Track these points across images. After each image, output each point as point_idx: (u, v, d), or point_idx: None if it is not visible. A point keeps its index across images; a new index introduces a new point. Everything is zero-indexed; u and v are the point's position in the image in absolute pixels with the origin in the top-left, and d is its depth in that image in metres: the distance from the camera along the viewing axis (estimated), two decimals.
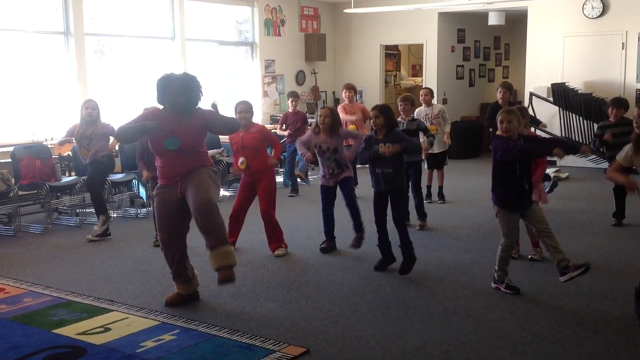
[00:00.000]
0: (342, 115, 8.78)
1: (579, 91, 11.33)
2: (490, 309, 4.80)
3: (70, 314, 4.80)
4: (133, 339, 4.34)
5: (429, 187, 8.71)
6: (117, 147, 7.65)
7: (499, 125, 4.94)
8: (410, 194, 7.34)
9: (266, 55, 12.77)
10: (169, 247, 4.90)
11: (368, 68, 13.92)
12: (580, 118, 11.20)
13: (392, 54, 15.39)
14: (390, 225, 5.67)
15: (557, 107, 11.49)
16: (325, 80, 14.15)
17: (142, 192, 8.47)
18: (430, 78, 13.51)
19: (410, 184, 7.31)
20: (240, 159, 6.30)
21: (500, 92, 8.28)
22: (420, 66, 14.78)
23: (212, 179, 4.77)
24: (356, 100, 10.46)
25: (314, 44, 13.52)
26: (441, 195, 8.76)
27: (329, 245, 6.47)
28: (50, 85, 9.53)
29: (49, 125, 9.02)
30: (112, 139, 7.21)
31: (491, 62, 15.48)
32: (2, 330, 4.52)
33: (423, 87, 9.35)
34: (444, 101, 13.08)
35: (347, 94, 9.43)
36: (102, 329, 4.51)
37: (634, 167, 4.62)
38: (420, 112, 8.45)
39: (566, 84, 11.45)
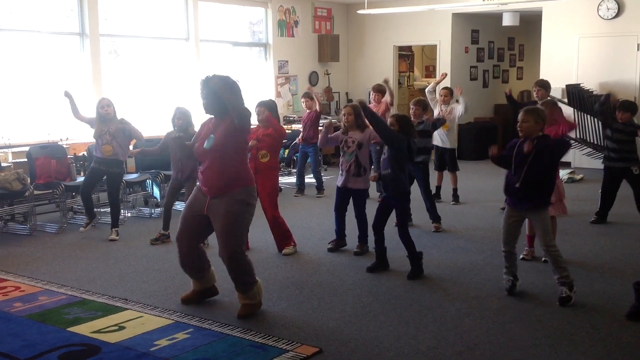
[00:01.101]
0: None
1: (594, 92, 11.26)
2: (503, 310, 4.79)
3: (85, 312, 4.84)
4: (147, 337, 4.36)
5: (438, 188, 8.71)
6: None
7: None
8: (421, 197, 7.34)
9: (279, 56, 12.80)
10: (182, 238, 4.86)
11: (381, 69, 13.89)
12: (595, 119, 11.13)
13: (405, 54, 15.36)
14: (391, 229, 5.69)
15: (572, 109, 11.42)
16: (339, 81, 14.15)
17: (156, 192, 8.52)
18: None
19: (419, 186, 7.29)
20: (252, 142, 6.23)
21: (534, 90, 8.36)
22: (434, 67, 14.74)
23: (240, 216, 4.63)
24: None
25: (327, 45, 13.53)
26: (455, 197, 8.75)
27: (337, 244, 6.49)
28: (66, 85, 9.57)
29: (65, 125, 9.08)
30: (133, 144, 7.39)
31: (505, 63, 15.42)
32: (17, 328, 4.56)
33: (442, 87, 9.36)
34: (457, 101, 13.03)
35: (374, 97, 9.24)
36: (116, 328, 4.54)
37: None
38: (434, 107, 8.72)
39: (581, 85, 11.39)
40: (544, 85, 8.38)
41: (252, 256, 4.91)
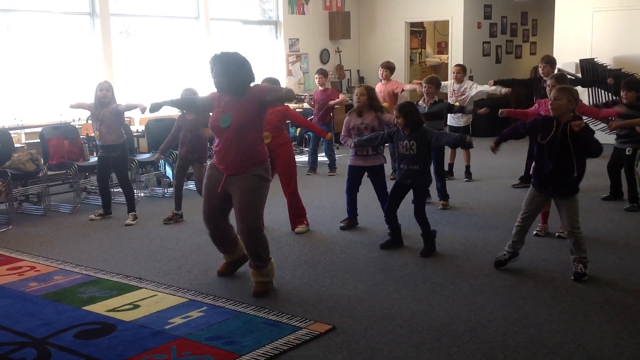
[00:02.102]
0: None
1: (608, 67, 11.14)
2: (517, 286, 4.78)
3: (100, 291, 4.88)
4: (162, 315, 4.39)
5: (450, 166, 8.67)
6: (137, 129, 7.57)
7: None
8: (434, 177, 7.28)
9: (290, 34, 12.73)
10: (210, 220, 4.92)
11: (393, 46, 13.80)
12: (609, 94, 11.02)
13: (417, 31, 15.24)
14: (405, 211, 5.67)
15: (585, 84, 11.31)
16: (350, 58, 14.07)
17: (169, 171, 8.54)
18: (456, 55, 13.37)
19: (433, 165, 7.16)
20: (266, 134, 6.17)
21: (540, 66, 8.28)
22: (446, 43, 14.63)
23: (257, 190, 4.67)
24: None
25: (338, 22, 13.43)
26: (468, 174, 8.72)
27: (349, 223, 6.48)
28: (77, 65, 9.60)
29: (77, 98, 9.09)
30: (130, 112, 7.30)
31: (518, 38, 15.27)
32: (33, 307, 4.61)
33: (455, 64, 9.27)
34: (470, 78, 12.94)
35: (383, 73, 9.07)
36: (131, 306, 4.57)
37: None
38: (447, 85, 8.57)
39: (595, 59, 11.26)
40: (550, 62, 8.32)
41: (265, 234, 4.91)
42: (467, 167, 8.73)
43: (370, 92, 6.24)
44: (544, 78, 8.02)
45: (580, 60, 11.34)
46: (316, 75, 9.79)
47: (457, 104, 8.08)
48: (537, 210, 5.06)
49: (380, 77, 9.11)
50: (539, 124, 4.87)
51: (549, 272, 5.05)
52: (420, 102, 7.27)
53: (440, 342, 3.91)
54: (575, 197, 4.83)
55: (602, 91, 11.10)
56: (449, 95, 8.86)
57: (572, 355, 3.70)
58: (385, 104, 8.60)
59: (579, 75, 11.26)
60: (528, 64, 15.57)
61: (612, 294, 4.59)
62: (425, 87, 7.28)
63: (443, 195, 7.31)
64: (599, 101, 11.06)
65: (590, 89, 11.11)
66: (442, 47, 16.10)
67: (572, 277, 4.82)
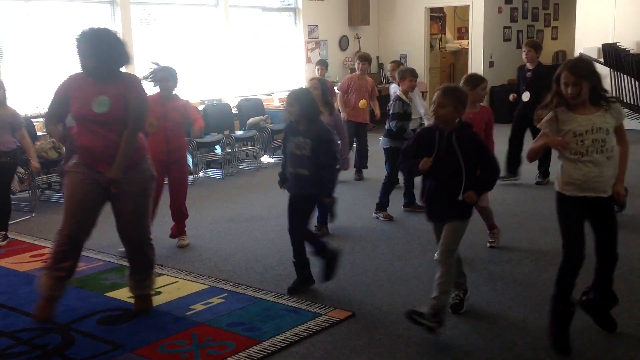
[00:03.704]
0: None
1: (631, 51, 10.99)
2: (537, 273, 4.77)
3: (122, 278, 4.90)
4: (183, 302, 4.44)
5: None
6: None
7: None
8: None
9: (309, 20, 12.68)
10: (80, 241, 4.17)
11: (413, 32, 13.71)
12: (632, 79, 10.88)
13: (437, 16, 15.12)
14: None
15: (607, 69, 11.17)
16: (369, 45, 13.98)
17: (189, 159, 8.57)
18: (476, 40, 13.26)
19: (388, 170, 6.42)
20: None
21: (524, 51, 7.73)
22: (466, 29, 14.50)
23: (147, 192, 4.17)
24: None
25: (357, 8, 13.35)
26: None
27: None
28: None
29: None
30: (26, 135, 6.22)
31: (540, 23, 15.10)
32: None
33: (392, 60, 8.38)
34: (491, 64, 12.84)
35: (360, 66, 8.38)
36: (152, 293, 4.62)
37: None
38: (394, 89, 7.34)
39: (617, 44, 11.11)
40: (535, 46, 7.69)
41: (272, 225, 4.91)
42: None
43: (323, 85, 5.77)
44: (527, 64, 7.71)
45: (602, 44, 11.20)
46: (317, 67, 9.43)
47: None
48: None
49: (358, 70, 8.42)
50: (423, 137, 3.92)
51: None
52: (398, 91, 6.47)
53: (459, 328, 3.92)
54: (464, 222, 3.89)
55: (625, 76, 10.96)
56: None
57: (593, 341, 3.69)
58: (362, 102, 8.03)
59: (601, 60, 11.12)
60: (549, 49, 15.40)
61: (634, 280, 4.56)
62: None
63: (380, 205, 6.45)
64: (621, 87, 10.92)
65: (612, 73, 10.97)
66: (463, 33, 15.96)
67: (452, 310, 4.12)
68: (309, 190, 4.46)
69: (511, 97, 7.84)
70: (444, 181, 3.81)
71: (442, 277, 3.80)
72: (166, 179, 5.67)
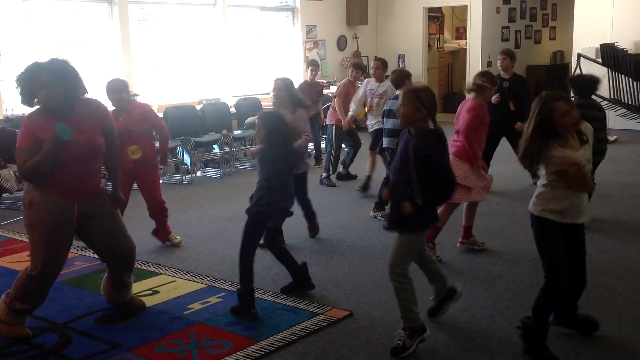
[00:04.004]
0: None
1: (629, 52, 11.00)
2: (535, 273, 4.76)
3: None
4: (180, 301, 4.43)
5: (368, 178, 7.47)
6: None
7: None
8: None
9: (307, 20, 12.68)
10: (58, 270, 4.02)
11: (411, 31, 13.71)
12: (630, 79, 10.90)
13: (435, 16, 15.12)
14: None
15: (605, 69, 11.19)
16: (367, 45, 13.99)
17: (187, 158, 8.58)
18: (474, 41, 13.26)
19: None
20: (133, 147, 5.35)
21: (499, 59, 7.47)
22: (465, 29, 14.50)
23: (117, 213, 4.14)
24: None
25: (355, 8, 13.35)
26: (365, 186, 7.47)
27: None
28: (95, 53, 9.64)
29: (95, 93, 9.13)
30: None
31: (538, 23, 15.11)
32: (54, 292, 4.63)
33: (375, 57, 8.04)
34: (489, 64, 12.84)
35: (353, 73, 8.13)
36: (150, 292, 4.62)
37: None
38: (367, 84, 7.42)
39: (615, 44, 11.13)
40: (511, 55, 7.43)
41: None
42: (368, 177, 7.46)
43: (289, 85, 5.52)
44: (502, 72, 7.42)
45: (600, 45, 11.21)
46: (309, 68, 9.12)
47: (363, 110, 7.37)
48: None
49: (350, 77, 8.16)
50: (403, 138, 3.75)
51: None
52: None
53: (458, 327, 3.92)
54: (409, 237, 3.68)
55: (623, 76, 10.98)
56: (368, 97, 7.41)
57: (590, 342, 3.69)
58: (361, 111, 7.75)
59: (599, 60, 11.14)
60: (547, 49, 15.42)
61: (632, 280, 4.56)
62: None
63: (379, 204, 6.37)
64: (619, 87, 10.93)
65: (610, 74, 10.99)
66: (461, 33, 15.97)
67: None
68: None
69: (494, 99, 7.17)
70: (395, 187, 3.64)
71: (396, 297, 3.68)
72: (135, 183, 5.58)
